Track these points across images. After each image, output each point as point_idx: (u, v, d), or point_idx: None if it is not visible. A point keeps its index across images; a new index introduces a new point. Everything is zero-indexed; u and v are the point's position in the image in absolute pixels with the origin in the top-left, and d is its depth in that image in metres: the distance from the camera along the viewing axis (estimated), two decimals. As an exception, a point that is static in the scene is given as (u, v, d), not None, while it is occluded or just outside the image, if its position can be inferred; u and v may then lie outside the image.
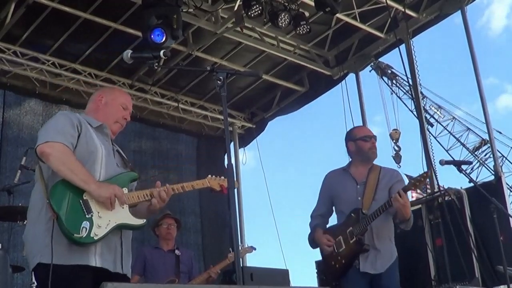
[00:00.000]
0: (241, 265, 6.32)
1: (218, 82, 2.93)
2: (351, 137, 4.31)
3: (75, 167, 2.74)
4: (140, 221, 2.92)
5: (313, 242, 4.23)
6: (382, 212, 3.89)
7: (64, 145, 2.77)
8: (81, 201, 2.73)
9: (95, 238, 2.71)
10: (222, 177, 3.32)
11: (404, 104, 15.55)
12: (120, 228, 2.86)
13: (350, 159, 4.34)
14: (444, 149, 18.58)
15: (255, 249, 6.27)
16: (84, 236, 2.67)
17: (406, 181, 4.24)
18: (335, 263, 4.05)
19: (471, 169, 17.64)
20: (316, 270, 6.48)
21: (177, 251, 5.76)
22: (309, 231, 4.30)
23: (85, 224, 2.69)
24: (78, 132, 2.87)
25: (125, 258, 2.91)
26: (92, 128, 2.98)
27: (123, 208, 2.84)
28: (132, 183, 3.04)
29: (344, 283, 4.02)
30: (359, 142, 4.22)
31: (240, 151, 9.88)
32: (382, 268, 3.97)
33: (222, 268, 5.90)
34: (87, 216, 2.71)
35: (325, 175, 4.39)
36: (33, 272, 2.80)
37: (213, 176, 3.30)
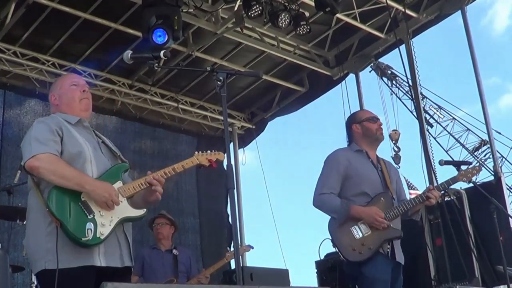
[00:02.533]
0: (241, 265, 6.33)
1: (218, 82, 2.92)
2: (355, 119, 4.08)
3: (66, 173, 2.72)
4: (140, 212, 2.92)
5: (348, 216, 3.76)
6: (419, 202, 3.83)
7: (51, 154, 2.75)
8: (80, 203, 2.72)
9: (102, 237, 2.70)
10: (209, 151, 3.25)
11: (404, 104, 15.52)
12: (123, 222, 2.86)
13: (352, 143, 4.06)
14: (444, 149, 18.53)
15: (252, 247, 6.31)
16: (90, 238, 2.66)
17: (404, 183, 4.19)
18: (357, 249, 3.70)
19: (471, 170, 17.58)
20: (316, 270, 6.46)
21: (174, 251, 5.77)
22: (325, 207, 3.84)
23: (89, 225, 2.68)
24: (60, 137, 2.84)
25: (132, 250, 2.91)
26: (72, 125, 2.95)
27: (121, 201, 2.83)
28: (125, 174, 3.02)
29: (371, 270, 3.67)
30: (366, 123, 4.01)
31: (240, 152, 9.89)
32: (402, 259, 3.86)
33: (218, 269, 5.91)
34: (89, 217, 2.70)
35: (333, 152, 4.02)
36: (36, 277, 2.79)
37: (200, 152, 3.22)
